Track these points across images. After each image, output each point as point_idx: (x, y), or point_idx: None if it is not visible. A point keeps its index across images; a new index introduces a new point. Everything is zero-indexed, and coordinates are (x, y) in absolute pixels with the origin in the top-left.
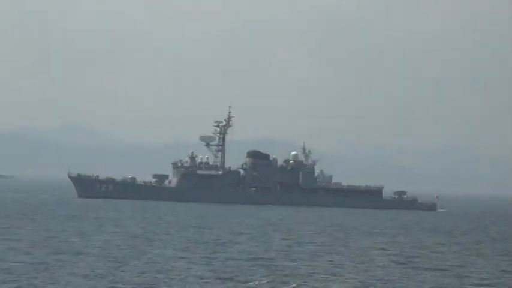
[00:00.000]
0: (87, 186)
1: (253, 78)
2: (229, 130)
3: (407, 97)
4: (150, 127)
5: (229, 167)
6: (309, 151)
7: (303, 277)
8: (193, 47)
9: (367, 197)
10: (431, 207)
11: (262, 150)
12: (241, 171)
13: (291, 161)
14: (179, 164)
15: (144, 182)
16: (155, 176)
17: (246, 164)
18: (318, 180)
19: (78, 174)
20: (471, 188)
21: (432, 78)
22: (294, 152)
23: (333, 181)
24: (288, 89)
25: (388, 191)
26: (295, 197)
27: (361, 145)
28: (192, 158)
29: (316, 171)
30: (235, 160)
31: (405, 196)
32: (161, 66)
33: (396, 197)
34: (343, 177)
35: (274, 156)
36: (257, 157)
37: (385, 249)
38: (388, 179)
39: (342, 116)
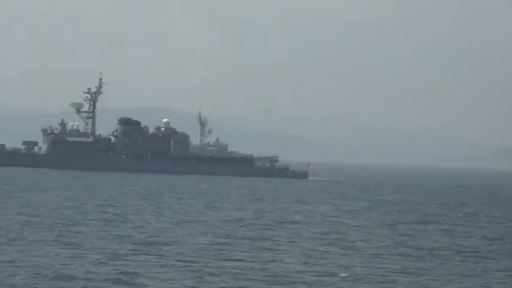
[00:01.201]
0: None
1: (142, 47)
2: (100, 97)
3: (303, 68)
4: (23, 93)
5: (100, 134)
6: (205, 120)
7: None
8: (73, 16)
9: (239, 165)
10: (303, 175)
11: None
12: (112, 139)
13: (163, 129)
14: (49, 131)
15: (14, 149)
16: (25, 142)
17: (116, 131)
18: (214, 148)
19: None
20: (373, 159)
21: (330, 48)
22: (165, 120)
23: (229, 150)
24: (181, 59)
25: (285, 160)
26: (166, 165)
27: (260, 115)
28: (63, 124)
29: (213, 140)
30: (112, 128)
31: (277, 164)
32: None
33: (268, 165)
34: (242, 147)
35: (145, 124)
36: (128, 124)
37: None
38: (284, 148)
39: (235, 86)
